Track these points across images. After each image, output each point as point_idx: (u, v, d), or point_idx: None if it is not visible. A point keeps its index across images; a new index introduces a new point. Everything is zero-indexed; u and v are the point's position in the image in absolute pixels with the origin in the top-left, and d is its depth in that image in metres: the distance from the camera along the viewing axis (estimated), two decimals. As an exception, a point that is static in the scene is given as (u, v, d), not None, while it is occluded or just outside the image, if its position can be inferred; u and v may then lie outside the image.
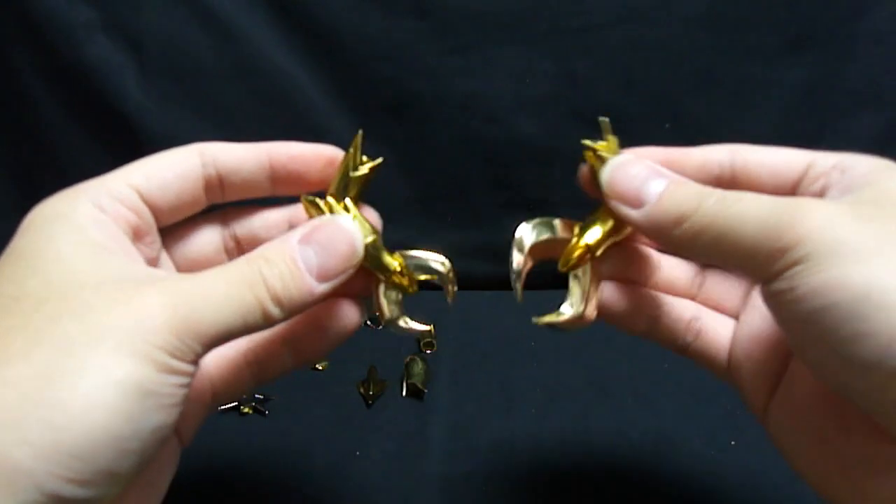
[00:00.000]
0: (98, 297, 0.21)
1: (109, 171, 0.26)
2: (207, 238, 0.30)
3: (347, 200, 0.28)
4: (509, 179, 0.58)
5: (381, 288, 0.29)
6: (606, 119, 0.28)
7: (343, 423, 0.45)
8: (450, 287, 0.30)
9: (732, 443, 0.42)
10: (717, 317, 0.31)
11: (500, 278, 0.57)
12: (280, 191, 0.29)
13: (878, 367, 0.19)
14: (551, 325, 0.29)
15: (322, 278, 0.25)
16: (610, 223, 0.28)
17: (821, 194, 0.25)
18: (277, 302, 0.24)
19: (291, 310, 0.24)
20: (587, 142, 0.28)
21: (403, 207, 0.60)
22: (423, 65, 0.54)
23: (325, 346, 0.29)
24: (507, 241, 0.30)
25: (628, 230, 0.29)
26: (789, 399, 0.27)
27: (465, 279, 0.60)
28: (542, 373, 0.49)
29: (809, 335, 0.21)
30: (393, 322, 0.30)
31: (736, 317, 0.31)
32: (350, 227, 0.26)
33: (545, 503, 0.39)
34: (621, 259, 0.30)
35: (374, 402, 0.47)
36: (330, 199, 0.28)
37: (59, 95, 0.56)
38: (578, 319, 0.29)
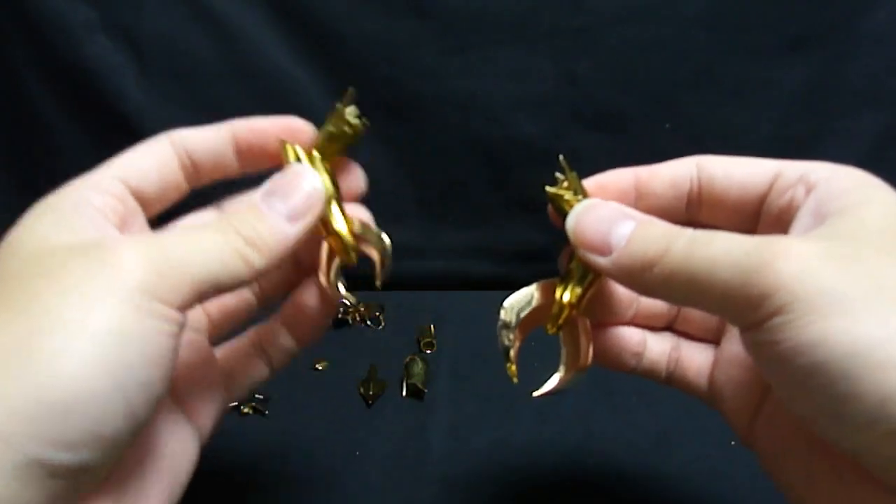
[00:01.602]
0: (71, 256, 0.21)
1: None
2: (202, 220, 0.31)
3: (314, 152, 0.29)
4: (509, 179, 0.58)
5: (325, 250, 0.29)
6: (562, 158, 0.28)
7: (343, 423, 0.45)
8: (385, 263, 0.29)
9: (732, 443, 0.42)
10: (694, 345, 0.31)
11: (500, 278, 0.57)
12: (247, 166, 0.30)
13: (871, 428, 0.18)
14: (553, 393, 0.30)
15: (293, 219, 0.26)
16: (586, 273, 0.28)
17: (788, 210, 0.24)
18: (254, 247, 0.24)
19: (272, 254, 0.25)
20: (550, 189, 0.28)
21: (403, 207, 0.60)
22: (423, 65, 0.54)
23: (315, 326, 0.31)
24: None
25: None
26: (771, 426, 0.26)
27: (465, 279, 0.60)
28: (542, 373, 0.49)
29: (796, 391, 0.20)
30: (330, 286, 0.30)
31: (716, 342, 0.30)
32: (305, 170, 0.27)
33: (545, 503, 0.39)
34: (599, 304, 0.30)
35: (374, 402, 0.47)
36: (297, 147, 0.29)
37: (59, 95, 0.56)
38: (578, 374, 0.30)
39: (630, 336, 0.31)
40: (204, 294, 0.23)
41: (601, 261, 0.25)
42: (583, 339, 0.29)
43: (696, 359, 0.30)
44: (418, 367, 0.49)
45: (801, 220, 0.23)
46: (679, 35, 0.53)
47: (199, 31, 0.54)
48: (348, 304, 0.28)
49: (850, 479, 0.22)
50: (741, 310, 0.21)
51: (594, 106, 0.55)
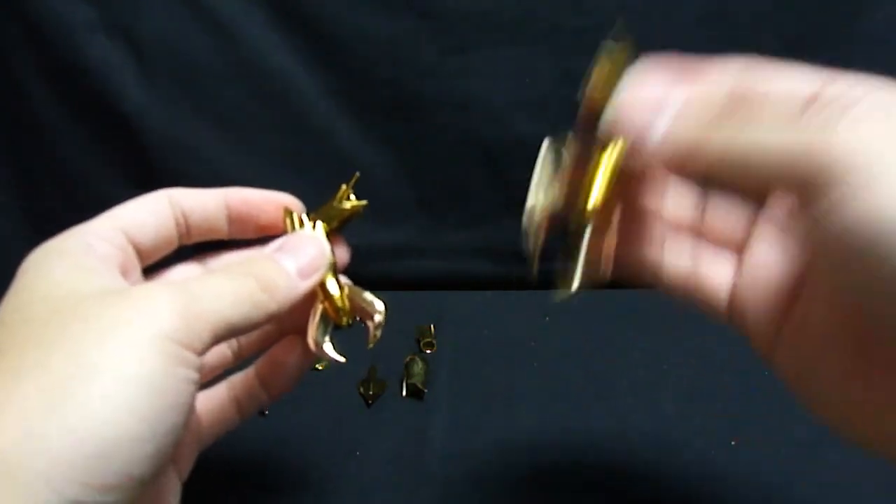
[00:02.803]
0: (103, 302, 0.22)
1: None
2: (190, 272, 0.32)
3: (318, 223, 0.31)
4: (509, 179, 0.58)
5: (319, 312, 0.31)
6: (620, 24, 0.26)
7: (343, 423, 0.45)
8: (374, 333, 0.31)
9: (732, 443, 0.42)
10: (715, 253, 0.29)
11: (500, 278, 0.57)
12: (236, 232, 0.32)
13: None
14: (566, 297, 0.28)
15: (302, 276, 0.28)
16: (609, 171, 0.26)
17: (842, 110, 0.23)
18: (268, 293, 0.25)
19: (282, 303, 0.26)
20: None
21: (403, 207, 0.60)
22: (423, 65, 0.54)
23: (288, 380, 0.33)
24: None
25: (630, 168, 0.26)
26: (801, 334, 0.25)
27: (465, 279, 0.60)
28: (542, 373, 0.49)
29: (851, 263, 0.19)
30: (317, 345, 0.31)
31: (739, 251, 0.28)
32: (314, 235, 0.30)
33: (545, 503, 0.40)
34: (624, 205, 0.28)
35: (374, 402, 0.47)
36: (304, 216, 0.31)
37: (59, 95, 0.56)
38: (588, 281, 0.28)
39: (652, 228, 0.29)
40: (221, 337, 0.24)
41: (643, 148, 0.23)
42: (605, 243, 0.28)
43: (717, 269, 0.28)
44: (418, 367, 0.49)
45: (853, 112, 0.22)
46: (679, 35, 0.53)
47: (199, 31, 0.54)
48: (341, 361, 0.31)
49: (879, 381, 0.22)
50: (797, 182, 0.20)
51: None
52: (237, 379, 0.33)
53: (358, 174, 0.32)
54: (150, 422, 0.20)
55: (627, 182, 0.28)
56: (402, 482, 0.41)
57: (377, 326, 0.31)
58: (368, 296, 0.32)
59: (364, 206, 0.32)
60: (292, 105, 0.56)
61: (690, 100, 0.23)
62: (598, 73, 0.26)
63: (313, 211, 0.32)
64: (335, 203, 0.32)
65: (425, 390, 0.48)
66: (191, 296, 0.23)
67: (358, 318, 0.32)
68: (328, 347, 0.31)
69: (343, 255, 0.33)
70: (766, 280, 0.27)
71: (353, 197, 0.32)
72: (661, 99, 0.23)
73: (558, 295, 0.28)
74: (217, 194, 0.31)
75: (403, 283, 0.57)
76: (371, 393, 0.47)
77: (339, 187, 0.32)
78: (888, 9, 0.51)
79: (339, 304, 0.31)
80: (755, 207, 0.28)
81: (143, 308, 0.21)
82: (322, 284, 0.30)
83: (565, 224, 0.29)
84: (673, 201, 0.29)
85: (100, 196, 0.58)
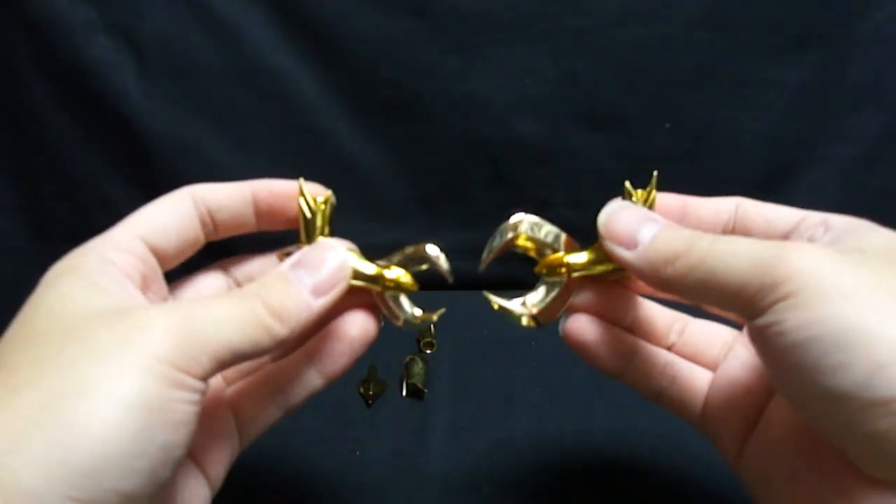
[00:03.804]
0: (100, 323, 0.22)
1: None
2: (213, 284, 0.31)
3: (320, 238, 0.30)
4: (509, 179, 0.58)
5: (386, 297, 0.30)
6: (655, 174, 0.29)
7: (343, 423, 0.45)
8: (445, 267, 0.31)
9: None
10: (692, 366, 0.32)
11: (501, 278, 0.57)
12: (264, 225, 0.31)
13: (856, 398, 0.20)
14: (502, 310, 0.31)
15: (318, 293, 0.27)
16: (601, 260, 0.29)
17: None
18: (277, 316, 0.25)
19: (293, 326, 0.25)
20: (628, 184, 0.30)
21: (403, 207, 0.60)
22: (423, 65, 0.54)
23: (348, 356, 0.30)
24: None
25: (614, 274, 0.29)
26: (763, 442, 0.28)
27: (465, 279, 0.60)
28: (542, 373, 0.49)
29: (791, 367, 0.22)
30: (406, 321, 0.30)
31: (713, 368, 0.32)
32: (333, 244, 0.29)
33: (545, 503, 0.40)
34: (602, 294, 0.30)
35: (374, 402, 0.47)
36: (302, 245, 0.30)
37: (59, 95, 0.56)
38: (531, 318, 0.30)
39: (619, 335, 0.31)
40: (225, 363, 0.24)
41: (626, 254, 0.27)
42: (556, 299, 0.30)
43: (694, 378, 0.31)
44: (418, 367, 0.49)
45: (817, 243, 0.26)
46: (679, 35, 0.53)
47: (199, 31, 0.54)
48: (441, 313, 0.30)
49: (834, 483, 0.24)
50: (752, 298, 0.23)
51: (594, 106, 0.55)
52: (279, 367, 0.30)
53: (301, 179, 0.30)
54: (139, 441, 0.20)
55: (613, 284, 0.31)
56: (402, 482, 0.41)
57: (443, 262, 0.31)
58: (411, 251, 0.30)
59: (330, 196, 0.30)
60: (292, 105, 0.56)
61: (668, 225, 0.27)
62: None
63: (302, 234, 0.30)
64: (307, 215, 0.30)
65: (425, 390, 0.48)
66: (189, 320, 0.23)
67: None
68: (416, 314, 0.30)
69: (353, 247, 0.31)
70: (736, 396, 0.30)
71: (315, 199, 0.30)
72: (650, 215, 0.27)
73: (495, 301, 0.31)
74: (243, 188, 0.30)
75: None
76: (371, 393, 0.47)
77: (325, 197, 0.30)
78: (888, 9, 0.52)
79: (401, 281, 0.30)
80: (729, 328, 0.32)
81: (139, 330, 0.22)
82: (370, 278, 0.29)
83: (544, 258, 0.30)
84: (655, 314, 0.32)
85: (100, 196, 0.58)
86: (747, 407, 0.29)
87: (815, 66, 0.53)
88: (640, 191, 0.30)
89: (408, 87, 0.55)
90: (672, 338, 0.32)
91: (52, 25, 0.53)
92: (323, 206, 0.30)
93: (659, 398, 0.32)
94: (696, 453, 0.42)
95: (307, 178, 0.30)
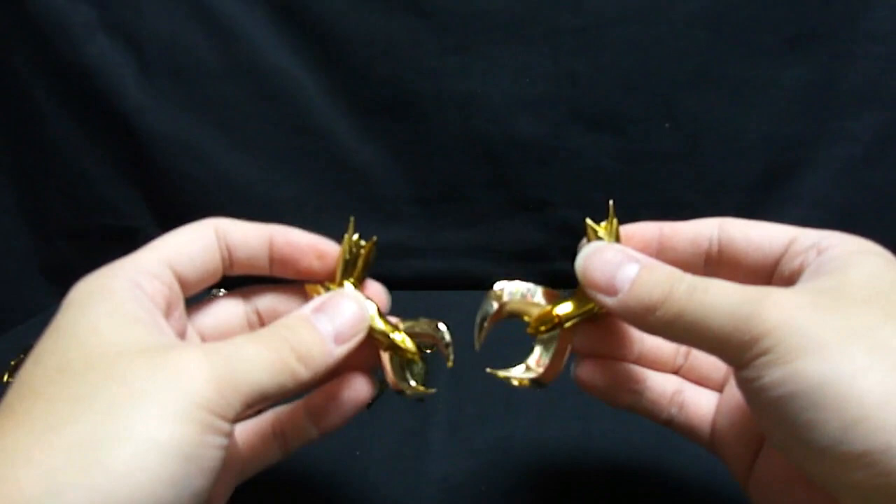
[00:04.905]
0: (139, 363, 0.22)
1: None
2: (232, 312, 0.32)
3: (346, 283, 0.31)
4: (509, 179, 0.58)
5: (387, 356, 0.31)
6: (611, 203, 0.29)
7: (343, 423, 0.45)
8: (448, 353, 0.32)
9: (732, 443, 0.42)
10: (699, 390, 0.32)
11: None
12: (276, 271, 0.31)
13: (832, 453, 0.21)
14: (506, 380, 0.31)
15: (338, 341, 0.27)
16: (586, 302, 0.29)
17: (798, 271, 0.26)
18: (303, 362, 0.25)
19: (315, 371, 0.26)
20: (589, 221, 0.29)
21: (403, 207, 0.60)
22: (423, 65, 0.54)
23: (342, 416, 0.31)
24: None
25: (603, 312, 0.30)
26: (770, 468, 0.28)
27: (465, 279, 0.60)
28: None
29: (773, 420, 0.23)
30: (398, 387, 0.31)
31: (719, 389, 0.32)
32: (355, 295, 0.29)
33: (545, 503, 0.39)
34: (600, 335, 0.31)
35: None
36: (331, 285, 0.31)
37: (59, 95, 0.56)
38: (534, 382, 0.31)
39: (628, 372, 0.31)
40: (253, 404, 0.24)
41: (608, 300, 0.26)
42: (555, 357, 0.30)
43: (701, 403, 0.31)
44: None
45: (802, 280, 0.25)
46: (679, 35, 0.53)
47: (199, 31, 0.54)
48: (431, 393, 0.31)
49: None
50: (734, 351, 0.23)
51: (594, 106, 0.55)
52: (283, 412, 0.32)
53: (352, 219, 0.31)
54: (177, 487, 0.21)
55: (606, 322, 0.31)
56: (402, 482, 0.41)
57: (447, 346, 0.31)
58: (424, 323, 0.32)
59: (375, 243, 0.31)
60: (292, 105, 0.56)
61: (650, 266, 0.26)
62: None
63: (338, 274, 0.31)
64: (347, 256, 0.31)
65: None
66: (227, 364, 0.23)
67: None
68: (412, 384, 0.31)
69: (381, 295, 0.32)
70: (740, 420, 0.30)
71: (361, 242, 0.31)
72: (627, 253, 0.27)
73: (497, 373, 0.32)
74: (262, 231, 0.30)
75: (403, 282, 0.57)
76: (371, 393, 0.47)
77: (342, 240, 0.31)
78: (888, 8, 0.52)
79: (403, 346, 0.31)
80: None
81: (179, 374, 0.22)
82: (379, 335, 0.30)
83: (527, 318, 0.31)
84: (660, 341, 0.32)
85: (100, 196, 0.58)
86: (752, 429, 0.29)
87: (815, 66, 0.53)
88: (602, 224, 0.29)
89: (408, 86, 0.55)
90: (678, 360, 0.32)
91: (52, 25, 0.53)
92: (363, 252, 0.31)
93: (669, 424, 0.32)
94: (696, 454, 0.41)
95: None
